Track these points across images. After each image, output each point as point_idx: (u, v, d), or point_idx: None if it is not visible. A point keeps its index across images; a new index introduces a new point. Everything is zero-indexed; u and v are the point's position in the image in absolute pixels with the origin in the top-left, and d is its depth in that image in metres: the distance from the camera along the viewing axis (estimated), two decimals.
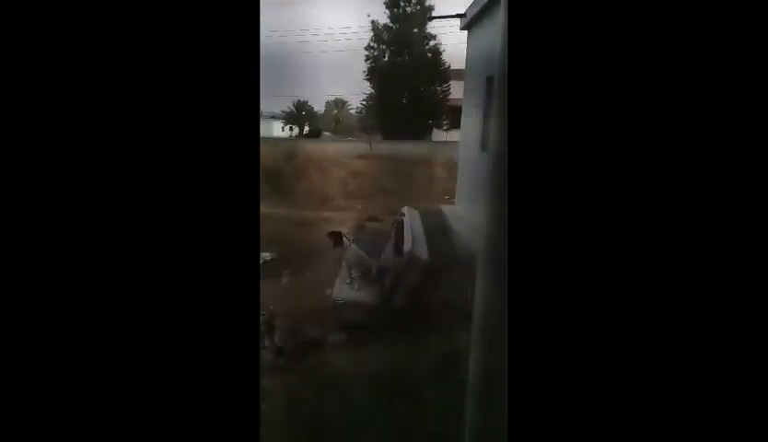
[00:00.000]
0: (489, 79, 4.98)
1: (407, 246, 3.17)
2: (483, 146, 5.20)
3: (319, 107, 34.39)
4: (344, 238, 3.42)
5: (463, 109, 6.60)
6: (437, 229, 5.31)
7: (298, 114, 33.60)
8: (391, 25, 24.65)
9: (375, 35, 24.94)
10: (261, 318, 2.81)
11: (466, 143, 6.32)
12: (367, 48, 25.28)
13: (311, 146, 15.13)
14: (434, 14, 24.22)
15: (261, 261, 4.20)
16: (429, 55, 24.91)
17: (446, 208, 7.05)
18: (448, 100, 24.44)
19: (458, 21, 6.58)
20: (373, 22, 24.69)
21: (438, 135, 25.02)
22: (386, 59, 25.20)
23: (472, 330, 1.01)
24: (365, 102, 27.91)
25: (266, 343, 2.75)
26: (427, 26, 24.30)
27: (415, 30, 24.40)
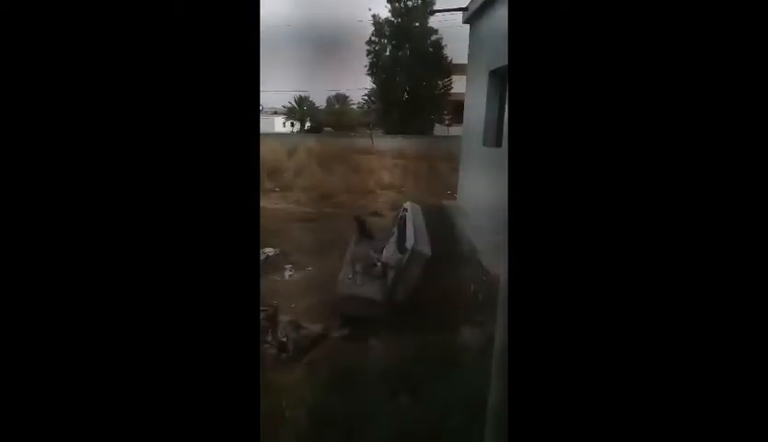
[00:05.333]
0: (491, 73, 4.95)
1: (410, 241, 3.17)
2: (486, 141, 5.18)
3: (320, 102, 34.40)
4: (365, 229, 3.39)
5: (465, 103, 6.57)
6: (440, 225, 5.30)
7: (300, 109, 33.58)
8: (393, 19, 24.51)
9: (376, 29, 24.82)
10: (264, 313, 2.81)
11: (468, 138, 6.29)
12: (369, 42, 25.17)
13: (313, 142, 15.13)
14: (435, 7, 24.04)
15: (263, 257, 4.22)
16: (431, 49, 24.79)
17: (448, 203, 7.05)
18: (450, 95, 24.37)
19: (460, 15, 6.54)
20: (374, 16, 24.58)
21: (440, 130, 24.98)
22: (387, 53, 25.10)
23: (497, 322, 1.02)
24: (366, 97, 27.90)
25: (269, 339, 2.76)
26: (429, 20, 24.17)
27: (417, 24, 24.28)
